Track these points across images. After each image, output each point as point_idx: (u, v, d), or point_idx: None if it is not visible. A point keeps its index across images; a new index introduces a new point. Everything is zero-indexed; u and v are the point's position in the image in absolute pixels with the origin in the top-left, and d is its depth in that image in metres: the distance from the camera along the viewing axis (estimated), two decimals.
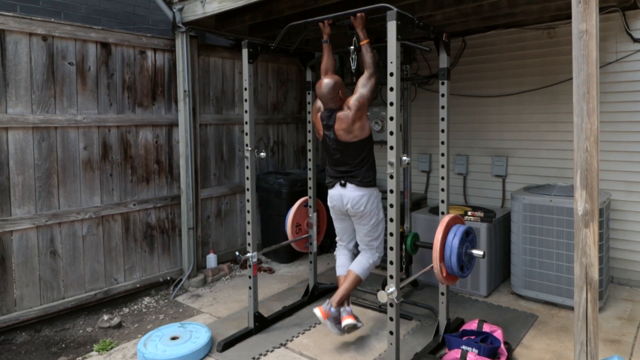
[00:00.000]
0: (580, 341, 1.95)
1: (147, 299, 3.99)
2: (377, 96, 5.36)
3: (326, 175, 3.21)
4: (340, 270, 3.28)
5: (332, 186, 3.13)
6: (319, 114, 3.11)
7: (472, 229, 2.89)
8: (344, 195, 3.05)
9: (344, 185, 3.04)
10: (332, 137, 3.01)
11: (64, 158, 3.54)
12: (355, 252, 3.33)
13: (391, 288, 2.38)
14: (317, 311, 2.96)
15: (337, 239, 3.39)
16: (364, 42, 2.84)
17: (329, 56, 3.15)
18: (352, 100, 2.87)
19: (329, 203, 3.21)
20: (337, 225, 3.31)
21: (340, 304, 3.01)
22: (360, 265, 3.11)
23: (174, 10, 4.07)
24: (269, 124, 5.30)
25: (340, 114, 2.94)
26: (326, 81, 2.99)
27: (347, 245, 3.35)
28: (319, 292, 3.86)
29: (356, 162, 2.99)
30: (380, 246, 3.16)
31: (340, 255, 3.35)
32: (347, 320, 2.97)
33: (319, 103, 3.15)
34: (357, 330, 3.28)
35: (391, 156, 2.39)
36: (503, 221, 4.05)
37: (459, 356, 2.62)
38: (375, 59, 2.87)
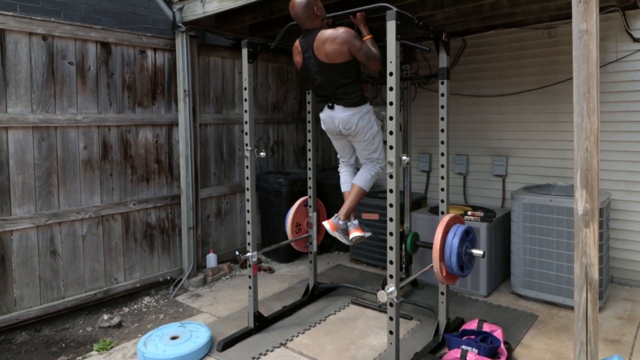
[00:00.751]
0: (580, 341, 1.95)
1: (147, 299, 3.99)
2: (377, 96, 5.36)
3: (315, 101, 3.20)
4: (344, 187, 3.33)
5: (322, 110, 3.10)
6: (297, 39, 3.04)
7: (472, 229, 2.89)
8: (334, 117, 3.02)
9: (331, 108, 3.00)
10: (311, 59, 2.91)
11: (64, 158, 3.54)
12: (357, 167, 3.36)
13: (391, 288, 2.38)
14: (326, 224, 3.07)
15: (338, 156, 3.43)
16: (366, 38, 2.83)
17: None
18: (349, 29, 2.77)
19: (322, 126, 3.20)
20: (336, 144, 3.33)
21: (347, 217, 3.11)
22: (363, 178, 3.14)
23: (174, 10, 4.07)
24: (269, 123, 5.30)
25: (323, 32, 2.81)
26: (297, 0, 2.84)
27: (349, 161, 3.38)
28: (319, 291, 3.86)
29: (339, 85, 2.91)
30: (380, 157, 3.13)
31: (343, 172, 3.39)
32: (354, 233, 3.14)
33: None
34: (356, 330, 3.29)
35: (391, 156, 2.39)
36: (503, 221, 4.05)
37: (458, 356, 2.62)
38: (379, 53, 2.83)
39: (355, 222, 3.19)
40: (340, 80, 2.90)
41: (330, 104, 3.00)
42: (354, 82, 2.94)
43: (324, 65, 2.87)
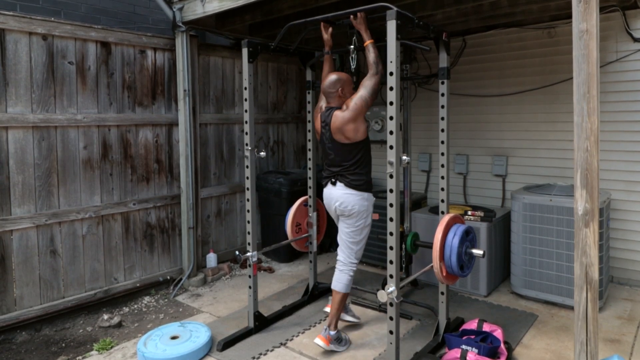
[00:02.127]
0: (580, 341, 1.95)
1: (147, 299, 3.99)
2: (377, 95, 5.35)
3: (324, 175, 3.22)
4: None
5: (325, 185, 3.15)
6: (320, 112, 3.12)
7: (472, 229, 2.89)
8: (332, 194, 3.05)
9: (334, 184, 3.04)
10: (327, 136, 3.00)
11: (64, 157, 3.54)
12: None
13: (391, 287, 2.38)
14: (319, 341, 2.96)
15: (338, 249, 3.32)
16: (367, 43, 2.82)
17: (331, 67, 3.16)
18: (352, 102, 2.86)
19: (323, 201, 3.23)
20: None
21: (336, 325, 3.04)
22: (341, 282, 3.06)
23: (174, 10, 4.07)
24: (269, 123, 5.30)
25: (337, 112, 2.92)
26: (331, 76, 3.02)
27: None
28: (318, 291, 3.86)
29: (349, 164, 2.97)
30: (359, 252, 3.09)
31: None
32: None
33: (321, 102, 3.16)
34: (357, 330, 3.30)
35: (391, 155, 2.39)
36: (503, 221, 4.05)
37: (458, 355, 2.62)
38: (378, 58, 2.84)
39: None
40: (353, 159, 2.96)
41: (333, 180, 3.04)
42: (365, 166, 2.99)
43: (338, 144, 2.96)
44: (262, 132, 5.21)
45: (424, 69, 4.99)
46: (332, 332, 2.99)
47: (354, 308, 3.68)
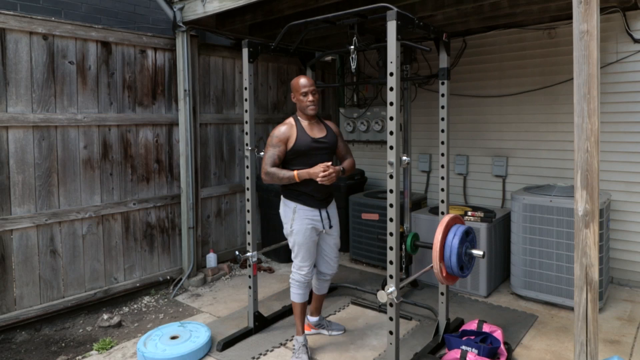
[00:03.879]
0: (580, 341, 1.95)
1: (147, 298, 3.99)
2: (377, 96, 5.36)
3: None
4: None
5: None
6: None
7: (472, 229, 2.89)
8: None
9: None
10: None
11: (64, 157, 3.54)
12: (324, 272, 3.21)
13: (391, 288, 2.38)
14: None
15: None
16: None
17: None
18: (283, 134, 2.90)
19: None
20: None
21: (298, 332, 2.99)
22: (291, 294, 3.05)
23: (175, 10, 4.07)
24: (269, 123, 5.30)
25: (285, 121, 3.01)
26: None
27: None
28: None
29: None
30: (297, 261, 3.01)
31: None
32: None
33: None
34: (356, 330, 3.29)
35: (391, 156, 2.39)
36: (503, 221, 4.05)
37: (458, 356, 2.62)
38: (281, 180, 2.85)
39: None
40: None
41: None
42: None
43: None
44: (262, 132, 5.21)
45: (424, 70, 5.00)
46: (300, 338, 2.97)
47: (354, 308, 3.68)
